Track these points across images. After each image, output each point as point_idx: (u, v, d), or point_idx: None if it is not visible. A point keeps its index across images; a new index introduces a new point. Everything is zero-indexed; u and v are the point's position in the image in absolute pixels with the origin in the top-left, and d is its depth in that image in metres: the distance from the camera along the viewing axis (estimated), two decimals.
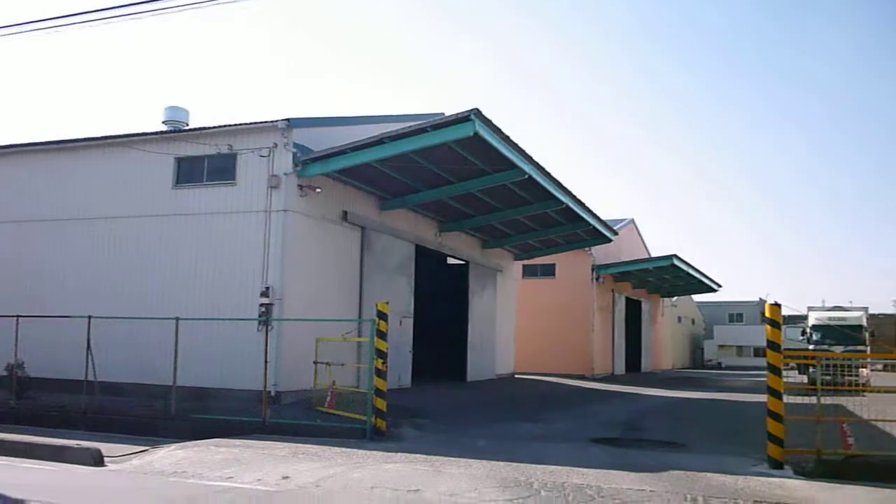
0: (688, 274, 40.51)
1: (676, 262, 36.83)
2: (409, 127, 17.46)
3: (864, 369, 29.07)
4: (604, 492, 9.18)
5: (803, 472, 10.88)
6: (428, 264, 26.39)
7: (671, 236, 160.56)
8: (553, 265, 37.26)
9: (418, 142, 17.21)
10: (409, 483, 9.56)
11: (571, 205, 23.78)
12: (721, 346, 75.16)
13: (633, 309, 45.41)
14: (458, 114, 16.58)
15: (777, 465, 11.14)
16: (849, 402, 15.30)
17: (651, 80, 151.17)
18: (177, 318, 15.20)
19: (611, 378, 36.29)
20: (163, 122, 22.54)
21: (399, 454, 11.65)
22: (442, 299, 28.48)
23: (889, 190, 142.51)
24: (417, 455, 11.52)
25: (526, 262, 35.72)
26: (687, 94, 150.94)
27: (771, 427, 11.21)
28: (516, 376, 32.33)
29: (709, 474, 10.52)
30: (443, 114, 20.94)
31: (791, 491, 9.69)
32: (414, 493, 9.10)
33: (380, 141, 17.28)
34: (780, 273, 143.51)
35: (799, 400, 12.49)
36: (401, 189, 21.47)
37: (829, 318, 37.34)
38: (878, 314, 73.29)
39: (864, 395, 15.78)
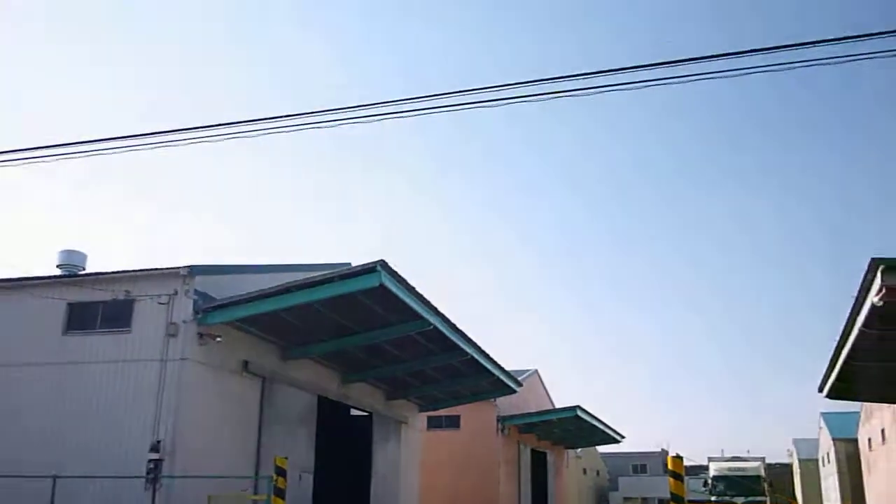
0: (591, 425, 40.73)
1: (580, 414, 37.07)
2: (316, 277, 17.45)
3: None
4: None
5: None
6: (331, 416, 25.67)
7: (574, 385, 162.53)
8: (458, 416, 36.84)
9: (324, 291, 17.17)
10: None
11: (476, 356, 23.89)
12: (626, 499, 74.80)
13: (539, 461, 44.97)
14: (364, 265, 16.74)
15: None
16: None
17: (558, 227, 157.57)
18: (54, 477, 14.09)
19: None
20: (57, 266, 21.79)
21: None
22: (344, 453, 27.53)
23: (781, 342, 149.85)
24: None
25: (431, 413, 35.24)
26: (587, 237, 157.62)
27: None
28: None
29: None
30: (349, 264, 21.10)
31: None
32: None
33: (286, 290, 17.15)
34: (679, 422, 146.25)
35: None
36: (304, 339, 21.12)
37: (730, 469, 37.96)
38: (775, 464, 75.16)
39: None
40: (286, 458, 13.58)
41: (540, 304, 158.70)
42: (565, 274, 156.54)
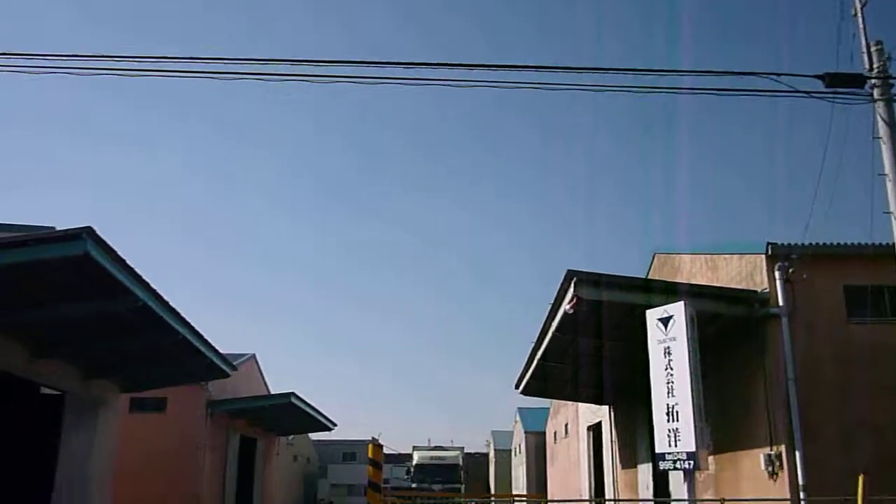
0: (305, 412, 40.71)
1: (294, 401, 36.87)
2: (12, 237, 15.56)
3: None
4: None
5: None
6: (17, 395, 23.12)
7: (291, 372, 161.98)
8: (164, 399, 34.93)
9: (14, 256, 15.35)
10: None
11: (189, 337, 22.78)
12: (334, 485, 75.87)
13: (248, 447, 44.07)
14: (67, 230, 15.22)
15: None
16: None
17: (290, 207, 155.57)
18: None
19: None
20: None
21: None
22: (31, 435, 24.93)
23: (486, 339, 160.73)
24: None
25: (135, 395, 33.07)
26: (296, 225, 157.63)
27: None
28: None
29: None
30: (53, 227, 19.10)
31: None
32: None
33: None
34: (391, 413, 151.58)
35: None
36: None
37: (431, 458, 39.98)
38: (475, 453, 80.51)
39: None
40: None
41: (256, 293, 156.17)
42: (278, 265, 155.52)
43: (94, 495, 27.77)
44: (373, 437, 65.05)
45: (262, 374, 47.19)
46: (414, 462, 40.00)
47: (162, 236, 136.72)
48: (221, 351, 26.95)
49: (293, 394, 36.49)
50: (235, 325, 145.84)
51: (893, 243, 11.36)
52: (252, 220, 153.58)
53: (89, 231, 15.11)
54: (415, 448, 44.72)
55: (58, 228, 16.66)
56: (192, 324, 22.68)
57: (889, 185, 11.41)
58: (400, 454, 66.86)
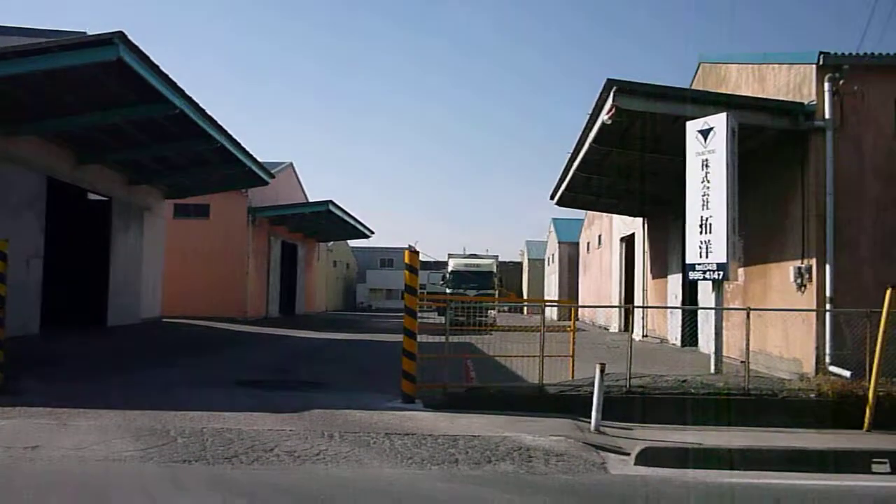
0: (343, 220, 41.72)
1: (332, 209, 37.69)
2: (42, 43, 15.43)
3: (492, 311, 32.57)
4: (244, 434, 9.17)
5: (432, 405, 11.89)
6: (64, 200, 23.91)
7: (331, 183, 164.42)
8: (207, 206, 35.99)
9: (52, 61, 15.27)
10: (28, 439, 8.64)
11: (227, 144, 23.03)
12: (372, 290, 79.18)
13: (289, 252, 45.75)
14: (100, 35, 15.03)
15: (409, 399, 12.01)
16: (478, 340, 17.03)
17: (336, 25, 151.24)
18: None
19: (264, 321, 36.30)
20: None
21: (17, 408, 10.40)
22: (81, 238, 26.06)
23: (527, 153, 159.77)
24: (39, 409, 10.40)
25: (178, 201, 34.02)
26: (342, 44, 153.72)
27: (405, 365, 12.04)
28: (164, 320, 30.91)
29: (348, 411, 11.02)
30: (84, 32, 18.85)
31: (418, 422, 10.54)
32: (32, 449, 8.25)
33: (2, 55, 15.05)
34: (429, 222, 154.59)
35: (436, 339, 13.54)
36: (31, 114, 19.00)
37: (466, 265, 41.13)
38: (509, 262, 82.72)
39: (491, 334, 17.71)
40: (7, 240, 12.47)
41: (296, 99, 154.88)
42: (334, 71, 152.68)
43: (147, 294, 29.41)
44: (410, 245, 66.66)
45: (300, 182, 47.91)
46: (449, 269, 41.23)
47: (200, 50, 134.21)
48: (260, 159, 27.28)
49: (331, 202, 37.20)
50: (274, 136, 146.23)
51: None
52: (294, 36, 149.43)
53: (121, 36, 14.92)
54: (450, 256, 45.97)
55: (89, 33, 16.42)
56: (230, 132, 22.82)
57: None
58: (437, 262, 68.91)
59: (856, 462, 9.82)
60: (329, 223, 43.41)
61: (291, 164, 45.49)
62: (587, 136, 19.23)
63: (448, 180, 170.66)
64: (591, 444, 9.81)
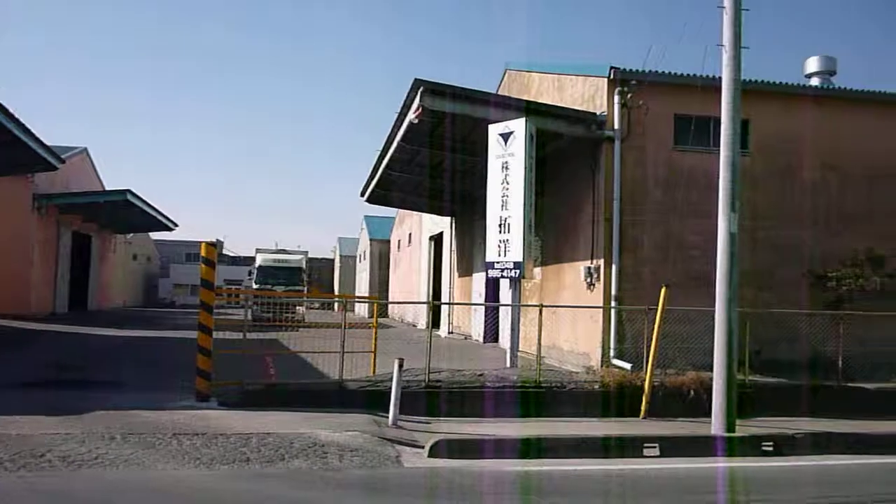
0: (143, 211, 39.40)
1: (131, 199, 35.49)
2: None
3: (300, 308, 32.10)
4: (11, 440, 8.41)
5: (228, 403, 11.52)
6: None
7: (135, 174, 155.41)
8: None
9: None
10: None
11: (7, 124, 21.03)
12: (177, 285, 75.48)
13: (82, 244, 42.56)
14: None
15: (204, 398, 11.58)
16: (285, 337, 16.70)
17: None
18: None
19: (52, 317, 33.53)
20: None
21: None
22: None
23: (341, 153, 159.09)
24: None
25: None
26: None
27: (200, 362, 11.59)
28: None
29: (135, 411, 10.44)
30: None
31: (211, 421, 10.17)
32: None
33: None
34: (241, 217, 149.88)
35: (238, 336, 13.10)
36: None
37: (274, 261, 40.26)
38: (321, 258, 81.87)
39: (298, 331, 17.42)
40: None
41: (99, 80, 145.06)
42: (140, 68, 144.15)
43: None
44: (217, 239, 64.17)
45: (95, 169, 44.75)
46: (257, 264, 40.22)
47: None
48: (48, 143, 25.20)
49: (129, 191, 35.04)
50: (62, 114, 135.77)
51: (721, 76, 11.90)
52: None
53: None
54: (258, 251, 44.85)
55: None
56: (9, 109, 20.88)
57: (725, 18, 11.77)
58: (244, 257, 66.92)
59: (631, 447, 10.61)
60: (128, 213, 40.78)
61: (86, 150, 42.35)
62: (396, 134, 19.42)
63: (264, 175, 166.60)
64: (386, 438, 9.91)
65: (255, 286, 36.59)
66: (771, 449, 10.99)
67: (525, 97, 19.94)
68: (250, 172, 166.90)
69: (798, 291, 16.04)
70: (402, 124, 18.17)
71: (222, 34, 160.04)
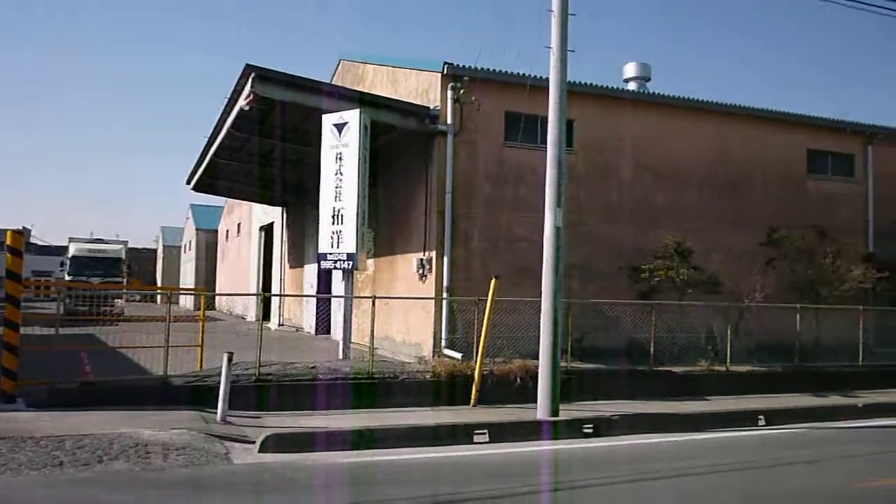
0: None
1: None
2: None
3: (119, 300, 30.32)
4: None
5: (37, 404, 10.69)
6: None
7: None
8: None
9: None
10: None
11: None
12: None
13: None
14: None
15: (10, 399, 10.69)
16: (102, 331, 15.69)
17: None
18: None
19: None
20: None
21: None
22: None
23: (166, 136, 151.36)
24: None
25: None
26: None
27: (5, 360, 10.68)
28: None
29: None
30: None
31: (17, 423, 9.42)
32: None
33: None
34: (54, 204, 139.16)
35: (51, 331, 12.20)
36: None
37: (89, 250, 37.70)
38: (142, 248, 77.65)
39: (117, 325, 16.43)
40: None
41: None
42: None
43: None
44: (23, 227, 59.40)
45: None
46: (70, 254, 37.48)
47: None
48: None
49: None
50: None
51: (549, 77, 12.41)
52: None
53: None
54: (71, 240, 41.68)
55: None
56: None
57: (553, 22, 12.28)
58: (60, 247, 62.06)
59: (461, 434, 10.89)
60: None
61: None
62: (225, 120, 18.74)
63: (85, 162, 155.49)
64: (215, 435, 9.58)
65: (68, 278, 34.13)
66: (591, 431, 11.65)
67: (360, 88, 19.89)
68: (73, 158, 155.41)
69: (616, 282, 17.08)
70: (232, 111, 17.57)
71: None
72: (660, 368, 15.30)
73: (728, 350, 16.06)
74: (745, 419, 13.10)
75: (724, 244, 18.26)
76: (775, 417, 13.28)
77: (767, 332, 17.29)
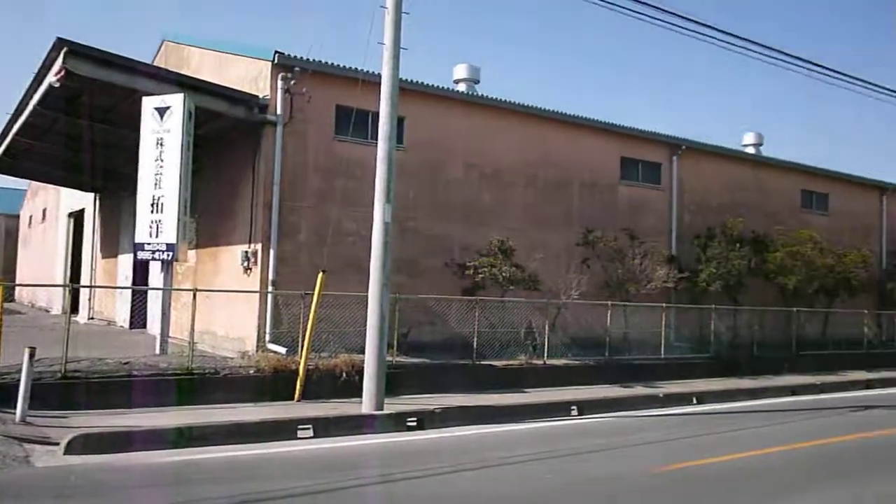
0: None
1: None
2: None
3: None
4: None
5: None
6: None
7: None
8: None
9: None
10: None
11: None
12: None
13: None
14: None
15: None
16: None
17: None
18: None
19: None
20: None
21: None
22: None
23: None
24: None
25: None
26: None
27: None
28: None
29: None
30: None
31: None
32: None
33: None
34: None
35: None
36: None
37: None
38: None
39: None
40: None
41: None
42: None
43: None
44: None
45: None
46: None
47: None
48: None
49: None
50: None
51: (382, 73, 12.47)
52: None
53: None
54: None
55: None
56: None
57: (387, 19, 12.35)
58: None
59: (285, 430, 10.73)
60: None
61: None
62: (31, 97, 17.28)
63: None
64: (13, 436, 8.86)
65: None
66: (415, 424, 11.86)
67: (185, 71, 19.01)
68: None
69: (443, 279, 17.43)
70: (39, 87, 16.22)
71: None
72: (483, 362, 15.79)
73: (546, 344, 16.85)
74: (560, 410, 13.83)
75: (545, 243, 19.15)
76: (587, 407, 14.13)
77: (582, 327, 18.34)
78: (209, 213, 18.62)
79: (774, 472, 9.61)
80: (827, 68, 17.19)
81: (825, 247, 23.48)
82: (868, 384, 20.44)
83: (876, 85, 18.86)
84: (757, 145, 29.14)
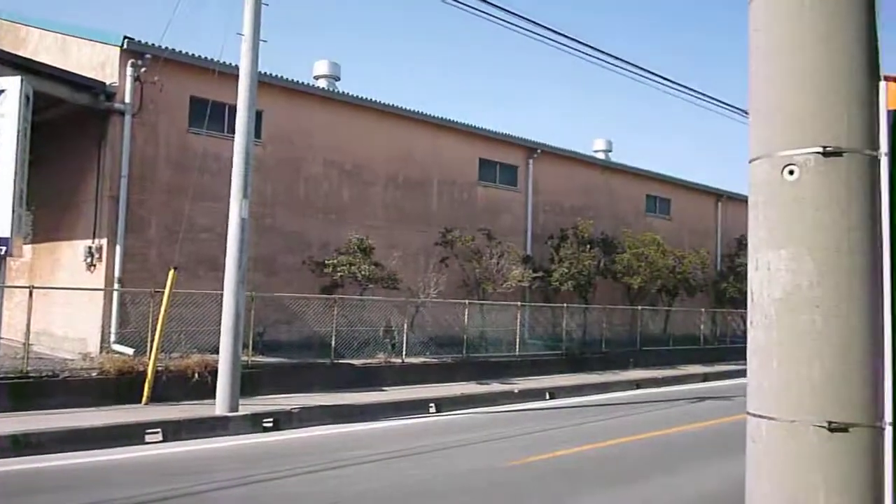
0: None
1: None
2: None
3: None
4: None
5: None
6: None
7: None
8: None
9: None
10: None
11: None
12: None
13: None
14: None
15: None
16: None
17: None
18: None
19: None
20: None
21: None
22: None
23: None
24: None
25: None
26: None
27: None
28: None
29: None
30: None
31: None
32: None
33: None
34: None
35: None
36: None
37: None
38: None
39: None
40: None
41: None
42: None
43: None
44: None
45: None
46: None
47: None
48: None
49: None
50: None
51: (239, 65, 12.12)
52: None
53: None
54: None
55: None
56: None
57: (246, 9, 12.02)
58: None
59: (132, 434, 10.21)
60: None
61: None
62: None
63: None
64: None
65: None
66: (271, 424, 11.59)
67: (21, 53, 17.69)
68: None
69: (301, 277, 17.15)
70: None
71: None
72: (341, 361, 15.66)
73: (405, 343, 16.93)
74: (418, 407, 13.93)
75: (404, 242, 19.26)
76: (445, 404, 14.31)
77: (440, 326, 18.56)
78: (48, 205, 17.41)
79: (622, 459, 10.12)
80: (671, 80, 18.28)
81: (667, 249, 24.93)
82: (705, 377, 21.90)
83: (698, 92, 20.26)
84: (606, 151, 30.58)
